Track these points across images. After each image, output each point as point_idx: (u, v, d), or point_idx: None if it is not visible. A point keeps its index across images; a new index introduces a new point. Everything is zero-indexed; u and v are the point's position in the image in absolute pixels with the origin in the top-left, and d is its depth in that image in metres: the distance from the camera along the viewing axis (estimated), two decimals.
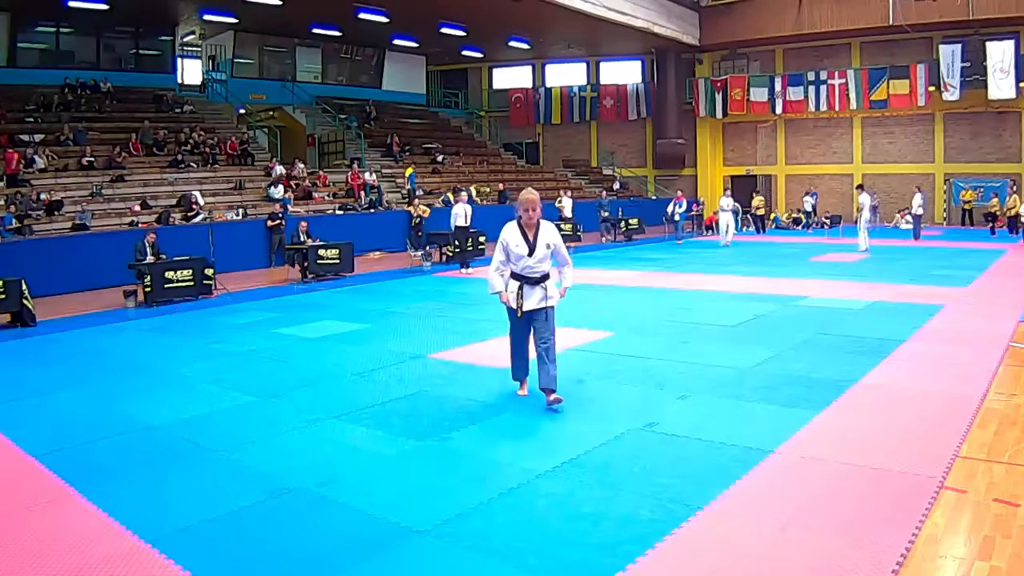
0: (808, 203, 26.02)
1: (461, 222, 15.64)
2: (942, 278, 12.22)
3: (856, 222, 18.39)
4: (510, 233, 5.72)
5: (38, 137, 18.16)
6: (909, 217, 20.82)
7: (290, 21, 23.64)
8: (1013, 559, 3.34)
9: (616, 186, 29.11)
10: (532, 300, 5.71)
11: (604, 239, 22.09)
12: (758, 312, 9.74)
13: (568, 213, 21.13)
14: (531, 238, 5.66)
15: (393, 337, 8.91)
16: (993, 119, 24.71)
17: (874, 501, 3.95)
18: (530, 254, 5.62)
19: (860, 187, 19.15)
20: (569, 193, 22.25)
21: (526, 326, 5.79)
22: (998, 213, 22.39)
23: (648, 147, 31.24)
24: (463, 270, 15.35)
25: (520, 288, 5.71)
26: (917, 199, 20.33)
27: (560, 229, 19.48)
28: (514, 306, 5.73)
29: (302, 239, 14.73)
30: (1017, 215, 20.83)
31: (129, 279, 12.45)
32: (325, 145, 26.54)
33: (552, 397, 5.68)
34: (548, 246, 5.70)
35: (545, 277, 5.73)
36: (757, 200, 25.37)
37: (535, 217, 5.66)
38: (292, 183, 20.61)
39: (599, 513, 3.94)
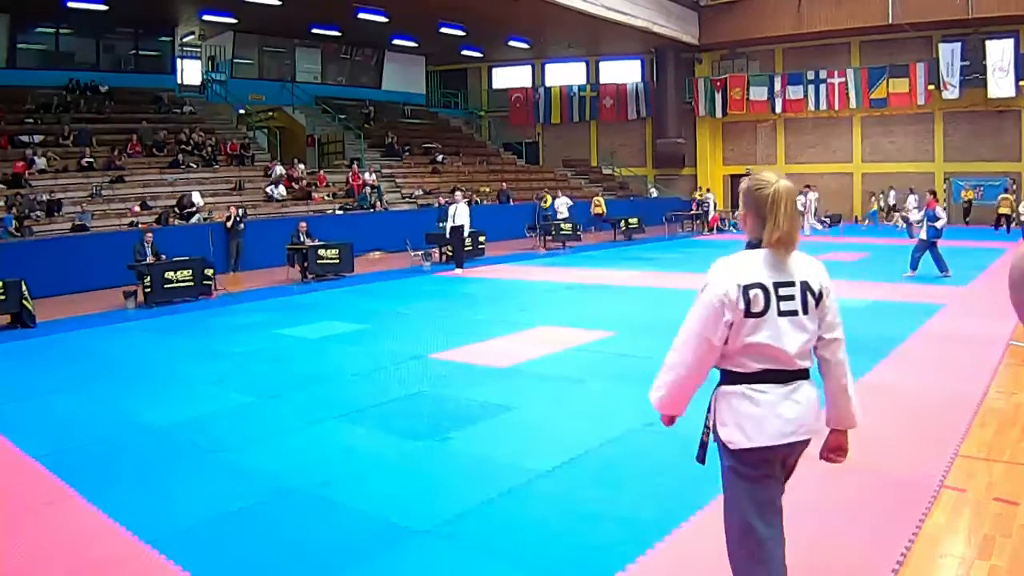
0: (800, 202, 25.96)
1: (451, 222, 15.54)
2: (942, 278, 12.21)
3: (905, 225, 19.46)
4: (744, 276, 2.48)
5: (38, 138, 18.17)
6: (911, 217, 20.80)
7: (290, 21, 23.64)
8: (1013, 558, 3.34)
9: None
10: (786, 421, 2.49)
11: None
12: None
13: (564, 213, 21.17)
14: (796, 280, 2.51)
15: (393, 337, 8.91)
16: (993, 118, 24.71)
17: (874, 501, 3.95)
18: (804, 312, 2.49)
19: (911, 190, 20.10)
20: (571, 193, 22.23)
21: (777, 488, 2.65)
22: (999, 212, 22.33)
23: (648, 147, 31.25)
24: (456, 270, 15.30)
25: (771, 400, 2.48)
26: (911, 201, 20.38)
27: (561, 230, 20.09)
28: (750, 442, 2.49)
29: (302, 239, 14.73)
30: (1017, 215, 20.85)
31: (129, 280, 12.45)
32: (325, 145, 26.55)
33: None
34: (819, 296, 2.52)
35: (806, 372, 2.55)
36: None
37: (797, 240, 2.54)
38: (292, 183, 20.63)
39: (599, 513, 3.94)
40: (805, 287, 2.50)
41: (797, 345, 2.48)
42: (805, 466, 4.55)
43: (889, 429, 5.08)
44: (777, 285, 2.48)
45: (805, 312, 2.49)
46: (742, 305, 2.44)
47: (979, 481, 4.19)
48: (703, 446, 2.71)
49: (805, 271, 2.54)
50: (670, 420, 2.75)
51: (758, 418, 2.48)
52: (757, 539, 2.53)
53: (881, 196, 26.36)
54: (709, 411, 2.63)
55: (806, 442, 2.59)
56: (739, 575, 2.61)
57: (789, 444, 2.51)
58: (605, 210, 23.84)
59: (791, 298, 2.48)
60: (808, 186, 23.37)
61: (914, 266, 12.48)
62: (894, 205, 25.69)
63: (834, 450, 2.70)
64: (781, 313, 2.46)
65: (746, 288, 2.45)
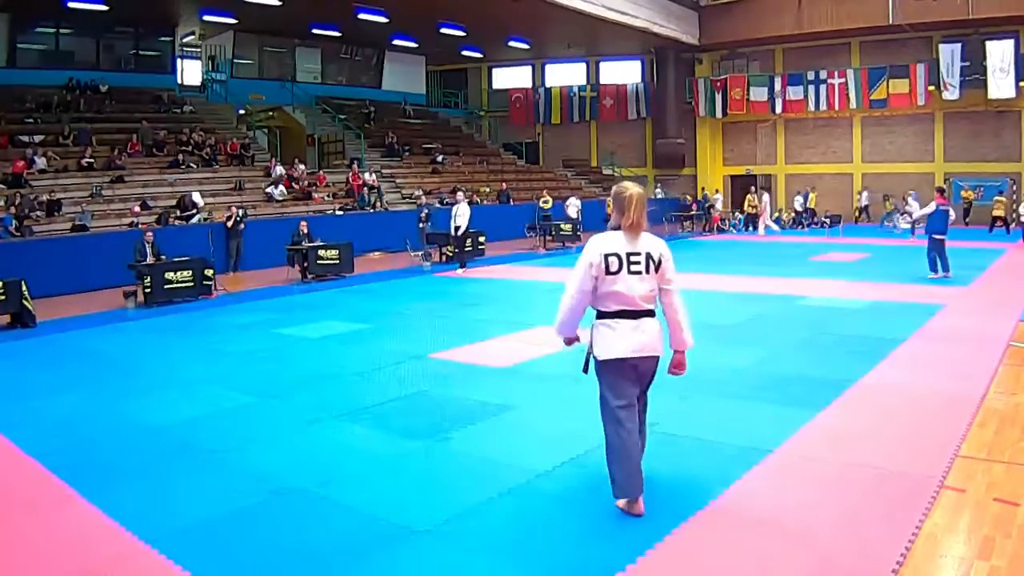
0: (798, 202, 25.99)
1: (453, 222, 15.62)
2: (942, 278, 12.20)
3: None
4: (606, 247, 3.76)
5: (38, 138, 18.18)
6: (908, 217, 20.79)
7: (290, 21, 23.63)
8: (1013, 559, 3.34)
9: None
10: (633, 342, 3.78)
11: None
12: (758, 312, 9.74)
13: (574, 214, 21.22)
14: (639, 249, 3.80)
15: (393, 337, 8.91)
16: (993, 118, 24.69)
17: (874, 501, 3.95)
18: (647, 272, 3.77)
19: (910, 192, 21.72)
20: (570, 193, 22.22)
21: (630, 388, 3.85)
22: (993, 214, 22.27)
23: (648, 147, 31.23)
24: (459, 270, 15.33)
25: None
26: (911, 201, 20.38)
27: (561, 230, 20.06)
28: (609, 355, 3.78)
29: (303, 238, 14.72)
30: (1017, 215, 20.85)
31: (129, 280, 12.45)
32: (325, 145, 26.54)
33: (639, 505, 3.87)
34: (658, 262, 3.81)
35: (651, 312, 3.85)
36: (751, 198, 25.43)
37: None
38: (292, 183, 20.62)
39: (599, 513, 3.94)
40: (648, 256, 3.76)
41: (641, 293, 3.75)
42: (806, 467, 4.58)
43: (889, 429, 5.09)
44: (629, 254, 3.74)
45: (647, 272, 3.75)
46: (603, 266, 3.72)
47: (979, 481, 4.19)
48: (586, 361, 3.97)
49: (649, 246, 3.79)
50: (569, 342, 4.06)
51: (613, 340, 3.75)
52: (614, 413, 3.84)
53: (858, 197, 26.44)
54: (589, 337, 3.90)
55: (654, 358, 3.81)
56: (607, 434, 3.89)
57: (636, 357, 3.75)
58: None
59: (638, 263, 3.74)
60: (766, 189, 24.94)
61: (933, 267, 12.43)
62: (867, 207, 25.80)
63: (676, 365, 3.99)
64: (631, 272, 3.73)
65: (607, 255, 3.73)
